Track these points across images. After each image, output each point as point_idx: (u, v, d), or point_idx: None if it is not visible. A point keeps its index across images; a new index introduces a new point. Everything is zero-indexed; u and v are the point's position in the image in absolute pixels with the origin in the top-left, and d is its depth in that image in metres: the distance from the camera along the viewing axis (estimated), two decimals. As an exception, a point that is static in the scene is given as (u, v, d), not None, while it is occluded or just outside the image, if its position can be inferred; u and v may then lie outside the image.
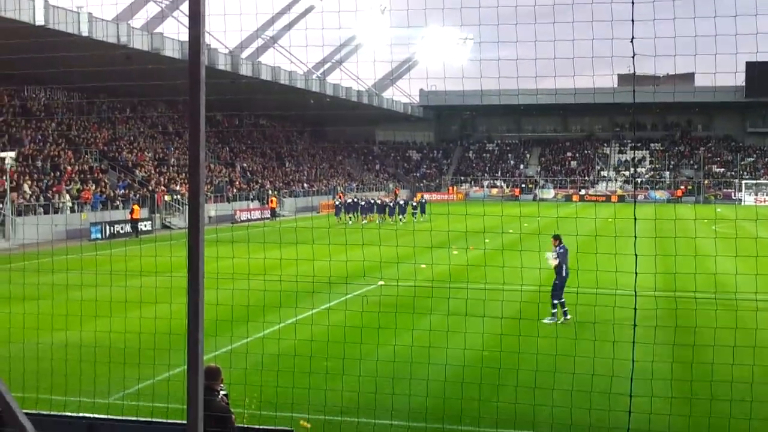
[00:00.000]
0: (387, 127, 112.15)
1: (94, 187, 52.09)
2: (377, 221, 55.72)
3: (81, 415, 11.21)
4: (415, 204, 59.86)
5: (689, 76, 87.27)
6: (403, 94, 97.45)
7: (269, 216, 62.83)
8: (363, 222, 55.54)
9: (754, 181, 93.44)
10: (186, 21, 5.86)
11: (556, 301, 21.99)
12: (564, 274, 21.89)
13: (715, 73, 11.04)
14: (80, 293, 16.42)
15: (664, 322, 18.19)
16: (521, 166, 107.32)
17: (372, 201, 59.72)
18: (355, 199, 60.94)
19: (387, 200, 60.53)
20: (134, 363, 14.86)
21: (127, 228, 48.42)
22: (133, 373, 14.67)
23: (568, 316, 21.82)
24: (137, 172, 59.91)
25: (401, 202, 59.54)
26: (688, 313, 19.68)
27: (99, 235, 45.51)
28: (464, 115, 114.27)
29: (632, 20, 8.70)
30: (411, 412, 13.21)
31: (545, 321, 21.44)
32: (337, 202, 60.17)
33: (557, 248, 22.03)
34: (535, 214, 46.74)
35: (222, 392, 8.95)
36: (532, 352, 14.71)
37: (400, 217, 55.95)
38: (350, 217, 57.20)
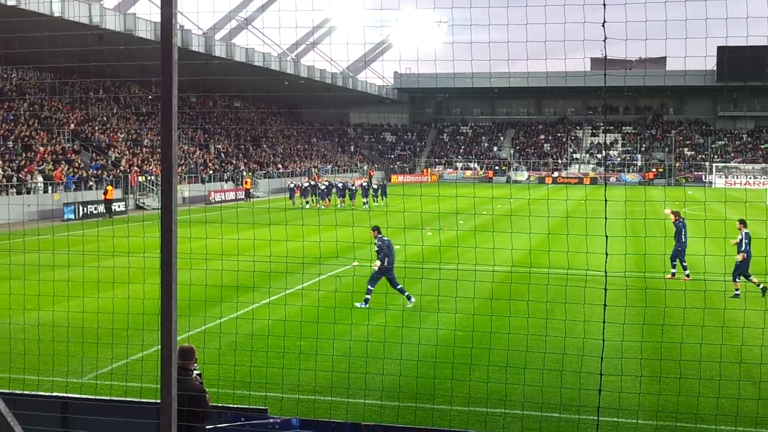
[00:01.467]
0: (361, 109, 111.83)
1: (66, 168, 51.68)
2: (338, 205, 54.52)
3: (54, 394, 11.24)
4: (375, 187, 58.96)
5: (661, 60, 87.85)
6: (378, 77, 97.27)
7: (244, 197, 62.61)
8: (321, 206, 54.07)
9: (725, 164, 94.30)
10: (159, 1, 5.87)
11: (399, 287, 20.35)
12: (386, 264, 20.09)
13: (685, 57, 11.13)
14: (53, 273, 16.39)
15: (634, 302, 18.41)
16: (495, 149, 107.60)
17: (331, 183, 58.03)
18: (312, 182, 58.52)
19: (348, 183, 58.98)
20: (108, 343, 14.88)
21: (101, 208, 48.15)
22: (106, 353, 14.68)
23: (366, 305, 20.00)
24: (110, 152, 59.51)
25: (364, 185, 58.39)
26: (657, 293, 19.96)
27: (72, 216, 45.24)
28: (438, 98, 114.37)
29: (604, 4, 8.77)
30: (384, 391, 13.33)
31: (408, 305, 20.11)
32: (291, 185, 58.30)
33: (377, 240, 20.29)
34: (508, 196, 47.01)
35: (196, 371, 9.01)
36: (504, 332, 14.88)
37: (363, 200, 55.12)
38: (307, 201, 55.09)
